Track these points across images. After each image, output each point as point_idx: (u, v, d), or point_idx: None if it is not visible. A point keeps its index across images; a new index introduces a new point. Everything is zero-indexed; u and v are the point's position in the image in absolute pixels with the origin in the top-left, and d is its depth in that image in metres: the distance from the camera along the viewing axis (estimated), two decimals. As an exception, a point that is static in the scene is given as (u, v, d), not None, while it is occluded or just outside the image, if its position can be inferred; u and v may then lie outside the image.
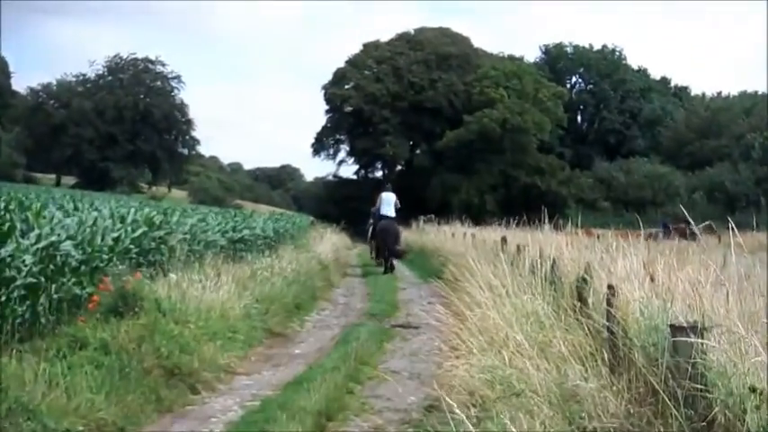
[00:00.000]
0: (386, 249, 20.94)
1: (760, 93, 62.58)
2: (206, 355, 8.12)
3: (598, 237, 10.24)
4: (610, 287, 5.46)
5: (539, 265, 8.04)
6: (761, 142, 54.00)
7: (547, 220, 10.54)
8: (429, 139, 56.34)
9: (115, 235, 8.96)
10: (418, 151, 59.34)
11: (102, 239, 8.49)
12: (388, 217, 20.90)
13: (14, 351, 6.31)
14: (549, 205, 20.48)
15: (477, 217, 33.25)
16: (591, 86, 70.46)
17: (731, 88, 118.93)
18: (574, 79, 71.81)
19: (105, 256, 8.44)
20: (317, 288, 15.75)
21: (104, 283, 8.07)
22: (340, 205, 51.95)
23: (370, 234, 23.69)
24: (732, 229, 4.77)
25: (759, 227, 17.60)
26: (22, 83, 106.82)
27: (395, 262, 21.37)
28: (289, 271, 14.54)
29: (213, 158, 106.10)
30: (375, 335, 10.75)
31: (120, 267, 8.55)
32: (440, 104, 56.14)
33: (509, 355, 5.80)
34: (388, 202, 20.95)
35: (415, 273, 21.55)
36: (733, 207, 46.29)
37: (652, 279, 5.39)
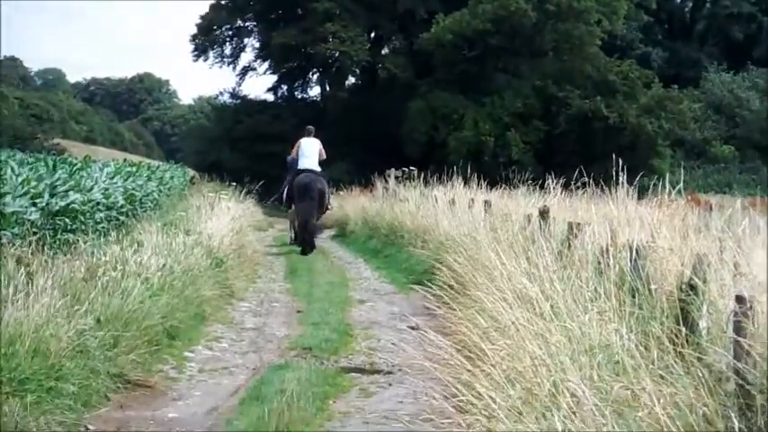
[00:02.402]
0: (305, 217, 24.60)
1: None
2: (8, 421, 8.10)
3: (711, 208, 10.37)
4: (740, 299, 5.56)
5: (610, 261, 8.14)
6: None
7: (623, 179, 10.64)
8: (406, 28, 56.43)
9: None
10: (386, 50, 59.46)
11: None
12: (308, 170, 25.18)
13: None
14: (626, 151, 20.69)
15: (495, 172, 33.39)
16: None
17: None
18: None
19: None
20: (207, 300, 15.76)
21: None
22: (244, 150, 52.01)
23: (285, 195, 26.55)
24: None
25: None
26: None
27: (322, 242, 24.42)
28: (154, 269, 14.52)
29: (12, 62, 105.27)
30: (312, 386, 10.79)
31: None
32: (426, -36, 56.24)
33: (561, 419, 5.89)
34: (308, 152, 25.19)
35: (381, 272, 21.80)
36: None
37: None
